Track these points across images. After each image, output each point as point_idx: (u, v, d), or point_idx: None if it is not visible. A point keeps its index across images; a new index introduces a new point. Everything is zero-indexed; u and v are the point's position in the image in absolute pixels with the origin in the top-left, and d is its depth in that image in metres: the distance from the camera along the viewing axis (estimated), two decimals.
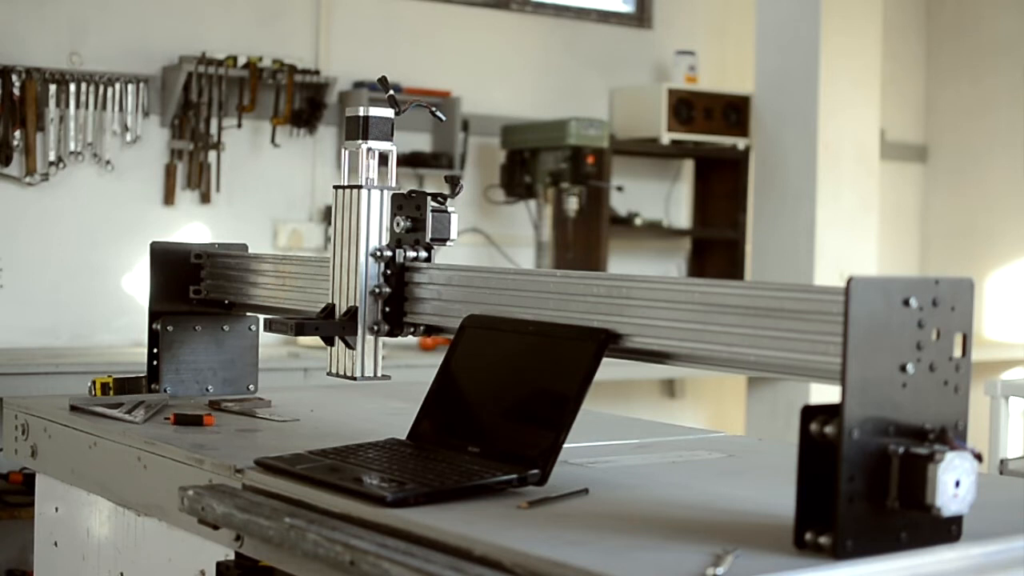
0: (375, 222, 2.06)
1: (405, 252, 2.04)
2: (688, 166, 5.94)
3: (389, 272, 2.03)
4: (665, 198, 5.87)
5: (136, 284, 4.67)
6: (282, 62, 4.76)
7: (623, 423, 2.46)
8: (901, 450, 1.31)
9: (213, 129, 4.68)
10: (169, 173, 4.68)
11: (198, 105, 4.63)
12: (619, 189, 5.30)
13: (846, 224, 5.35)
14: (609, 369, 5.46)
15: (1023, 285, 6.29)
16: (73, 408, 2.26)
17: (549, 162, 4.93)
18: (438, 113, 2.18)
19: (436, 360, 4.97)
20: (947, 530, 1.34)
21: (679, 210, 5.95)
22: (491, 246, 5.35)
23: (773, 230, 5.43)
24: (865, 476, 1.30)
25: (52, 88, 4.43)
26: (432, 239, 2.04)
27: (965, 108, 6.53)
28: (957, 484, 1.29)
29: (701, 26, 5.98)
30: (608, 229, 5.30)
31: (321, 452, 1.74)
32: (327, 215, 4.99)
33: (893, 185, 6.30)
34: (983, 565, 1.36)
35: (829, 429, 1.31)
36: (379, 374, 2.09)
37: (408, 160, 5.04)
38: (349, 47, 5.06)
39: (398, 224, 2.06)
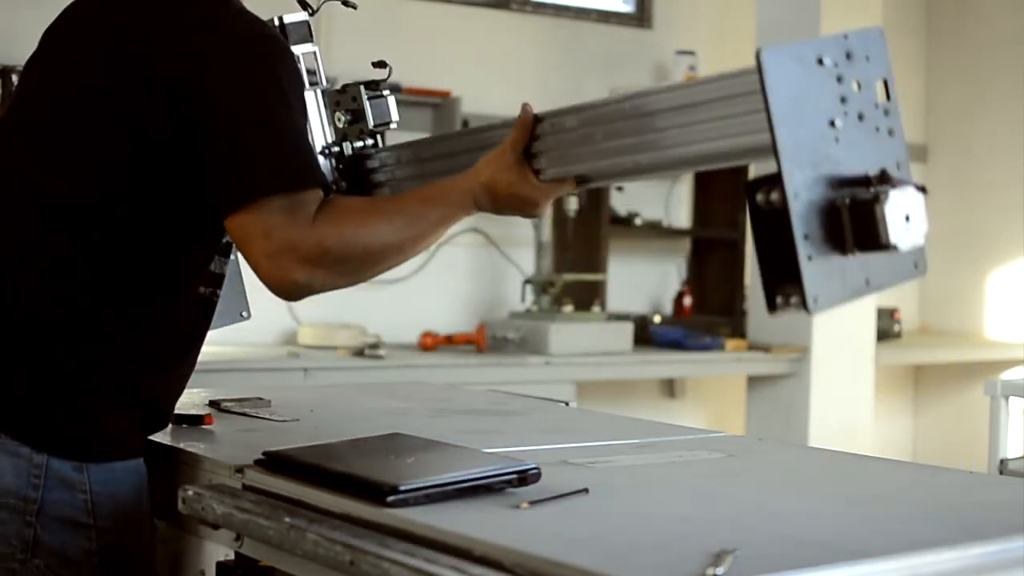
0: (316, 121, 2.08)
1: (352, 144, 2.07)
2: None
3: (341, 166, 2.06)
4: (665, 198, 5.87)
5: None
6: None
7: (623, 423, 2.46)
8: (848, 200, 1.34)
9: None
10: None
11: None
12: (619, 189, 5.30)
13: None
14: (609, 369, 5.40)
15: (1023, 285, 6.29)
16: None
17: None
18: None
19: (436, 360, 4.98)
20: (911, 265, 1.36)
21: (679, 210, 5.95)
22: (491, 246, 5.35)
23: None
24: (819, 232, 1.33)
25: None
26: (375, 126, 2.07)
27: (965, 108, 6.54)
28: (907, 218, 1.31)
29: (701, 26, 5.98)
30: (608, 229, 5.30)
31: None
32: None
33: None
34: (983, 565, 1.36)
35: (775, 196, 1.34)
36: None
37: None
38: (349, 47, 5.06)
39: (339, 119, 2.09)
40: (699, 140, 1.54)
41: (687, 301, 5.75)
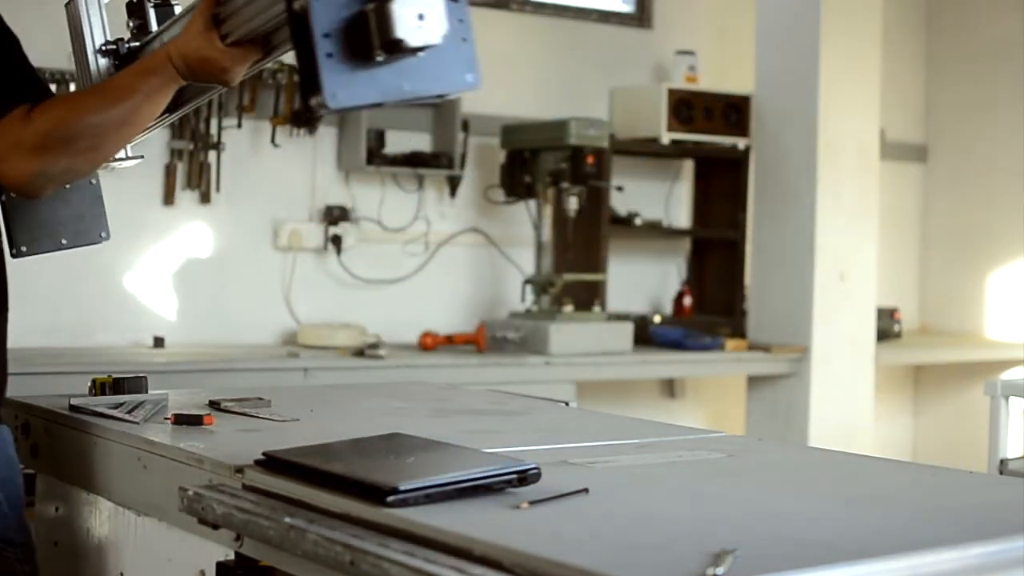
0: (97, 22, 2.19)
1: (129, 44, 2.16)
2: (688, 166, 5.94)
3: (119, 63, 2.15)
4: (665, 198, 5.87)
5: (136, 284, 4.67)
6: (282, 62, 4.76)
7: (623, 423, 2.46)
8: (372, 6, 1.42)
9: (213, 129, 4.69)
10: (169, 173, 4.68)
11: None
12: (619, 189, 5.30)
13: (846, 224, 5.35)
14: (609, 369, 5.39)
15: (1023, 285, 6.29)
16: (73, 408, 2.26)
17: (549, 162, 4.92)
18: None
19: (436, 360, 4.98)
20: (462, 76, 1.53)
21: (679, 210, 5.95)
22: (491, 246, 5.35)
23: (773, 230, 5.43)
24: (345, 36, 1.41)
25: (52, 88, 4.42)
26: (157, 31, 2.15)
27: (965, 108, 6.54)
28: (421, 17, 1.40)
29: (701, 26, 5.98)
30: (608, 229, 5.30)
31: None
32: (327, 215, 4.99)
33: (893, 185, 6.30)
34: (983, 565, 1.36)
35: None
36: (129, 154, 2.27)
37: (408, 160, 5.04)
38: None
39: (129, 25, 2.19)
40: None
41: (687, 301, 5.75)
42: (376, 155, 4.96)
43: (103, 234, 2.46)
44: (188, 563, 1.88)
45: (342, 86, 1.41)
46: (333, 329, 4.76)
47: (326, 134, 4.98)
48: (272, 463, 1.68)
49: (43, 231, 2.41)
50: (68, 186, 2.45)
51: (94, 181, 2.45)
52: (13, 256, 2.33)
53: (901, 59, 6.44)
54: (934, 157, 6.69)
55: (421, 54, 1.46)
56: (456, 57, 1.51)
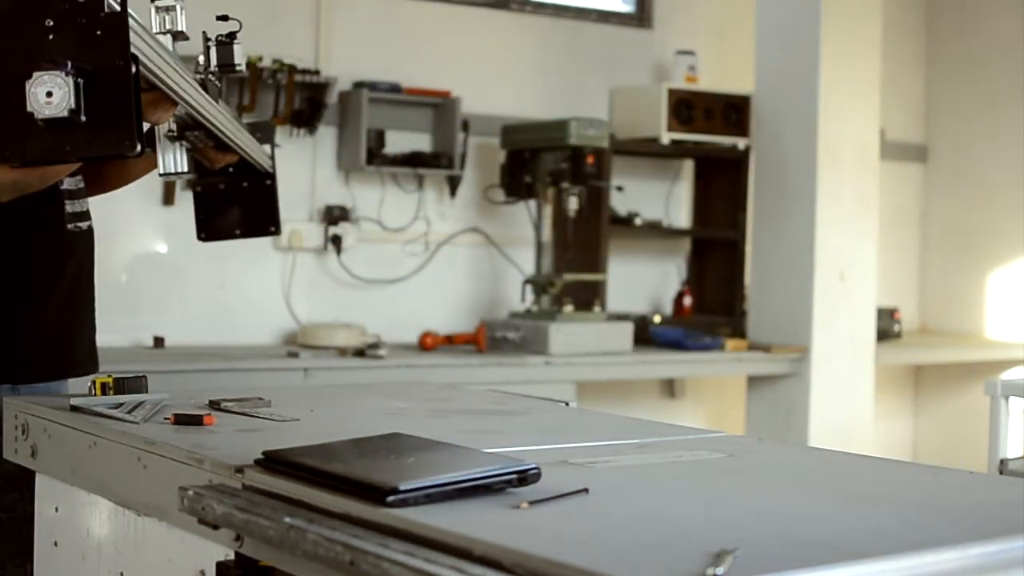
0: None
1: None
2: (688, 166, 5.94)
3: None
4: (665, 198, 5.87)
5: (136, 284, 4.66)
6: (282, 62, 4.76)
7: (623, 423, 2.46)
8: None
9: None
10: None
11: None
12: (619, 189, 5.30)
13: (846, 224, 5.35)
14: (609, 369, 5.39)
15: (1023, 285, 6.29)
16: (73, 408, 2.25)
17: (549, 162, 4.92)
18: None
19: (436, 360, 4.98)
20: (117, 142, 1.58)
21: (679, 210, 5.95)
22: (491, 246, 5.35)
23: (773, 230, 5.43)
24: (17, 106, 1.53)
25: None
26: None
27: (965, 108, 6.54)
28: (50, 95, 1.54)
29: (701, 26, 5.98)
30: (608, 229, 5.30)
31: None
32: (327, 215, 4.99)
33: (893, 185, 6.30)
34: (983, 565, 1.36)
35: None
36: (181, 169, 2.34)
37: (408, 160, 5.04)
38: (349, 47, 5.06)
39: None
40: None
41: (687, 301, 5.76)
42: (376, 155, 4.96)
43: (273, 228, 2.60)
44: (188, 563, 1.88)
45: (14, 147, 1.58)
46: (333, 329, 4.77)
47: (326, 134, 4.98)
48: (272, 463, 1.68)
49: (223, 222, 2.54)
50: (245, 184, 2.58)
51: (269, 181, 2.60)
52: (200, 240, 2.42)
53: (901, 59, 6.44)
54: (934, 157, 6.69)
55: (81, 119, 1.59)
56: (117, 123, 1.63)
